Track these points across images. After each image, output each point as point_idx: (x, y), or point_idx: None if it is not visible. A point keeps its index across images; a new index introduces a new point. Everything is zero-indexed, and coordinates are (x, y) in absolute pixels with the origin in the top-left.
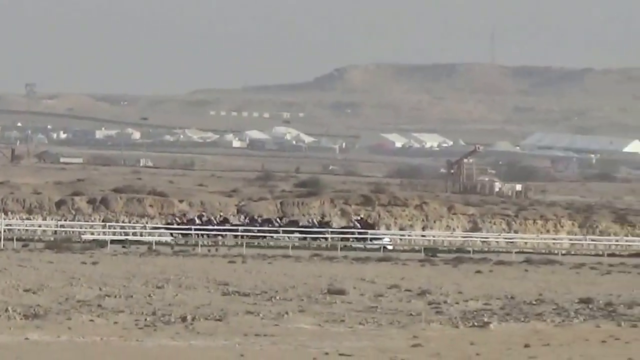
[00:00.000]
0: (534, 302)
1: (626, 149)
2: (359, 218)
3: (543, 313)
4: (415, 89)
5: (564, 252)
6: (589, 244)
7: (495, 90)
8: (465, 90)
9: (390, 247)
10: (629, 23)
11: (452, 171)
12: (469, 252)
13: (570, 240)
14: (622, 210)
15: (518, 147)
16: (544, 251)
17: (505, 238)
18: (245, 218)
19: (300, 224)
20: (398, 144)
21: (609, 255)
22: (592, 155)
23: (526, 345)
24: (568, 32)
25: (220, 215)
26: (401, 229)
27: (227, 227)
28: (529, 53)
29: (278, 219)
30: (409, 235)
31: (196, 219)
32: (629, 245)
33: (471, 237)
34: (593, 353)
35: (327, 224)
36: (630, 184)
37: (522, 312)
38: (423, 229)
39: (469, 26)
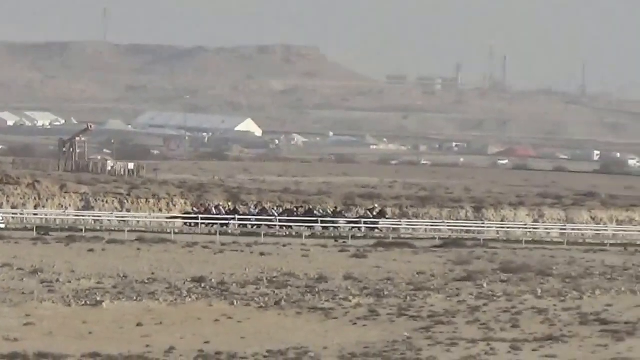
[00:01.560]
0: (147, 281)
1: (238, 128)
2: (370, 208)
3: (156, 292)
4: (27, 67)
5: (177, 230)
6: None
7: (108, 68)
8: (78, 68)
9: (2, 226)
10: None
11: (64, 150)
12: (81, 230)
13: (185, 219)
14: (234, 189)
15: (130, 126)
16: (156, 230)
17: (118, 217)
18: (255, 208)
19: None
20: (10, 123)
21: (222, 234)
22: (205, 134)
23: (139, 324)
24: (179, 10)
25: (228, 205)
26: (13, 208)
27: (265, 216)
28: (142, 31)
29: (295, 208)
30: (21, 214)
31: (214, 209)
32: (241, 224)
33: (83, 215)
34: (206, 332)
35: (340, 214)
36: (243, 163)
37: (134, 291)
38: (35, 207)
39: (81, 3)
